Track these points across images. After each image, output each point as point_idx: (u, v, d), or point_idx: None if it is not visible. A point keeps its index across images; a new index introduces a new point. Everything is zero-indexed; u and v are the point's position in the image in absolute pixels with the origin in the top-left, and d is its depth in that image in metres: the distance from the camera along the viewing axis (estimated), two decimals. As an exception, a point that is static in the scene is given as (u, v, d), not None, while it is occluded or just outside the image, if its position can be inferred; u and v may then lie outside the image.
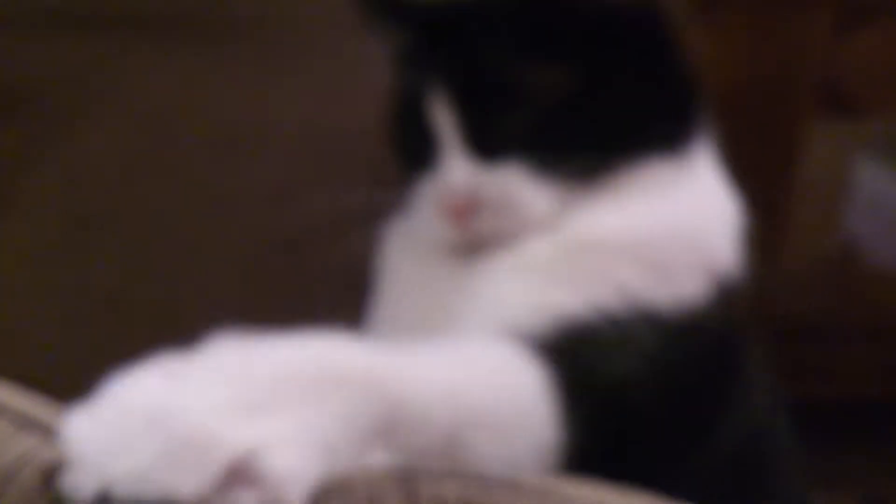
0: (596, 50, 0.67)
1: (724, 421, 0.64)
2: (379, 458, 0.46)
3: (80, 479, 0.41)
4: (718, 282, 0.64)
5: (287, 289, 0.87)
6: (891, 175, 1.46)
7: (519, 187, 0.65)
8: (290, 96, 0.90)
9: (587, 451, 0.55)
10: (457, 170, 0.66)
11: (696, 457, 0.62)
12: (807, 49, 1.03)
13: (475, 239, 0.66)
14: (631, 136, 0.66)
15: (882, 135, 1.51)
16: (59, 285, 0.87)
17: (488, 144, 0.66)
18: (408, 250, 0.71)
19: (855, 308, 1.39)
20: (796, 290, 1.37)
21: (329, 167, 0.88)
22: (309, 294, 0.85)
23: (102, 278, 0.87)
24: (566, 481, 0.51)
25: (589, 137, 0.66)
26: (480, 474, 0.48)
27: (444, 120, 0.67)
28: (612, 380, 0.57)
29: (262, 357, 0.45)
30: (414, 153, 0.69)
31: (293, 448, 0.42)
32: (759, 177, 1.10)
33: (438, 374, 0.51)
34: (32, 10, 0.87)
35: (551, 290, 0.61)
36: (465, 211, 0.65)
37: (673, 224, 0.66)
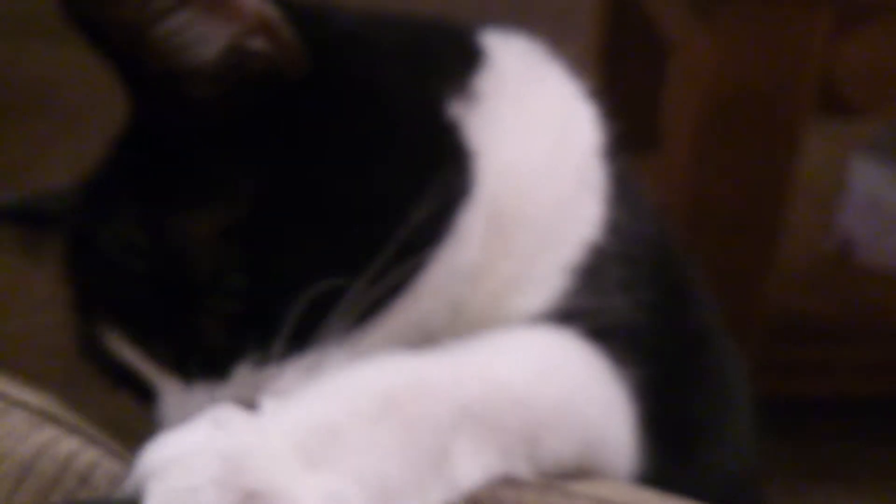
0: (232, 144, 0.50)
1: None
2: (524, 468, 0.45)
3: None
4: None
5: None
6: (887, 175, 1.46)
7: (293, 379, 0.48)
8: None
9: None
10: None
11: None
12: (805, 49, 1.03)
13: None
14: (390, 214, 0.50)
15: (879, 135, 1.52)
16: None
17: (214, 356, 0.49)
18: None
19: (851, 307, 1.40)
20: (793, 289, 1.38)
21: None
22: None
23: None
24: (584, 482, 0.50)
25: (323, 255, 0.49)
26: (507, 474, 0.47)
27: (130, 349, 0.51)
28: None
29: (320, 398, 0.42)
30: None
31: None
32: (757, 177, 1.11)
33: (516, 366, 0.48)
34: (38, 12, 0.88)
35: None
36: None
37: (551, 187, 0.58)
